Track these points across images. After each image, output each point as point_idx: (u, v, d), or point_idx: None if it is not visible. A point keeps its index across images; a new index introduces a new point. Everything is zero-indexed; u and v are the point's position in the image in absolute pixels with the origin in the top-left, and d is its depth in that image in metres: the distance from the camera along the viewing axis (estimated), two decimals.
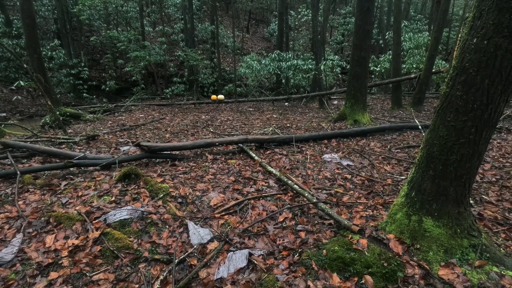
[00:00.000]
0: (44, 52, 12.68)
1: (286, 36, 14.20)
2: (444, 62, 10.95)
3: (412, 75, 8.89)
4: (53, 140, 4.12)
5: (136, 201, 2.56)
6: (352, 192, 2.98)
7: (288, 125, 6.28)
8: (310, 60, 11.30)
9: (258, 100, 10.17)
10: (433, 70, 8.52)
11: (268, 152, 4.17)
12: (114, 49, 13.20)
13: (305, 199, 2.71)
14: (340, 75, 13.79)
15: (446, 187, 1.69)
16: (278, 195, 2.85)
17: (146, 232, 2.24)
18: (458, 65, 1.57)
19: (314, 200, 2.57)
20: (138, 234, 2.22)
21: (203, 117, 8.11)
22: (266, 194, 2.84)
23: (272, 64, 10.34)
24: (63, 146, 4.05)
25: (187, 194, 2.77)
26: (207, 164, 3.65)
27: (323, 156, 3.98)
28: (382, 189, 3.04)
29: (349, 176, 3.36)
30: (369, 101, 11.11)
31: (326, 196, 2.89)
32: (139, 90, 13.12)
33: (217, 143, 3.84)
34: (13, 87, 13.80)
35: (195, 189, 2.90)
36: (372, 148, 4.46)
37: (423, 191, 1.78)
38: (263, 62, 10.71)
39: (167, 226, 2.33)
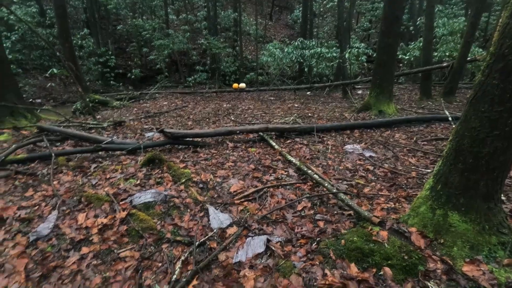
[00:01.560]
0: (74, 41, 13.20)
1: (310, 23, 13.82)
2: (481, 49, 10.21)
3: (444, 64, 8.38)
4: (83, 125, 4.35)
5: (160, 185, 2.66)
6: (373, 183, 2.91)
7: (309, 114, 6.19)
8: (334, 48, 10.95)
9: (280, 89, 10.06)
10: (468, 58, 7.98)
11: (288, 141, 4.16)
12: (139, 37, 13.49)
13: (324, 189, 2.70)
14: (365, 64, 13.29)
15: (476, 181, 1.61)
16: (298, 184, 2.85)
17: (168, 215, 2.34)
18: (496, 52, 1.46)
19: (334, 191, 2.55)
20: (161, 216, 2.31)
21: (225, 105, 8.17)
22: (286, 183, 2.85)
23: (295, 52, 10.14)
24: (93, 131, 4.27)
25: (208, 180, 2.84)
26: (227, 151, 3.70)
27: (345, 146, 3.91)
28: (405, 181, 2.95)
29: (371, 168, 3.29)
30: (395, 91, 10.65)
31: (347, 187, 2.85)
32: (163, 78, 13.40)
33: (237, 131, 3.87)
34: (47, 75, 14.58)
35: (216, 175, 2.97)
36: (397, 139, 4.31)
37: (450, 185, 1.70)
38: (285, 50, 10.52)
39: (188, 210, 2.41)
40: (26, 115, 4.69)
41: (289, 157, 3.35)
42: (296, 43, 10.22)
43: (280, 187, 2.80)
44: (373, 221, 2.02)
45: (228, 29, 17.64)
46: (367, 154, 3.69)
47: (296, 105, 8.34)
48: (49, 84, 11.54)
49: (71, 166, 2.98)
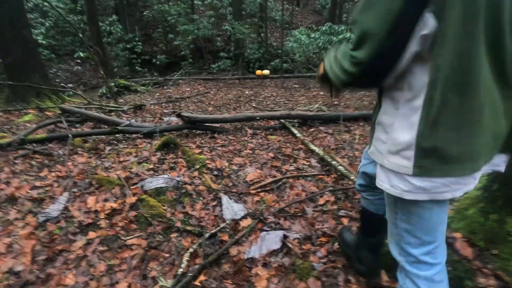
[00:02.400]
0: (103, 27, 13.46)
1: (339, 8, 13.06)
2: None
3: None
4: (103, 107, 4.33)
5: (173, 170, 2.52)
6: None
7: (335, 102, 5.81)
8: None
9: (305, 77, 9.62)
10: None
11: (311, 129, 3.87)
12: (165, 23, 13.49)
13: (350, 182, 2.43)
14: None
15: None
16: (320, 176, 2.60)
17: (180, 202, 2.20)
18: None
19: None
20: (172, 203, 2.18)
21: (247, 92, 7.94)
22: (307, 174, 2.61)
23: (322, 38, 9.60)
24: (112, 114, 4.24)
25: (224, 167, 2.66)
26: (246, 138, 3.50)
27: None
28: None
29: None
30: None
31: None
32: (187, 65, 13.38)
33: (257, 118, 3.65)
34: (78, 60, 15.09)
35: (232, 162, 2.78)
36: None
37: (511, 184, 1.39)
38: (312, 36, 10.00)
39: (201, 198, 2.25)
40: (51, 96, 4.77)
41: (312, 146, 3.09)
42: (324, 28, 9.66)
43: (300, 178, 2.57)
44: None
45: (253, 15, 17.20)
46: None
47: (321, 93, 7.94)
48: (75, 67, 11.86)
49: (87, 147, 2.93)
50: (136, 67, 14.13)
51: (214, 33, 13.03)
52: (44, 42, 11.22)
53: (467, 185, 0.81)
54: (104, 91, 8.06)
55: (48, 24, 11.94)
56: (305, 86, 9.52)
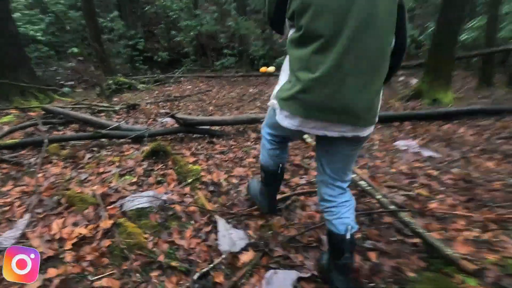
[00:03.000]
0: (104, 23, 13.09)
1: None
2: None
3: None
4: (92, 107, 3.92)
5: (160, 185, 2.10)
6: (442, 196, 2.13)
7: None
8: None
9: None
10: None
11: None
12: (167, 19, 13.07)
13: (374, 201, 1.98)
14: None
15: None
16: None
17: (165, 228, 1.77)
18: None
19: (391, 207, 1.82)
20: (156, 229, 1.75)
21: (251, 90, 7.49)
22: None
23: None
24: (102, 114, 3.83)
25: (221, 180, 2.22)
26: (249, 143, 3.06)
27: (396, 142, 3.10)
28: (488, 195, 2.13)
29: (434, 173, 2.48)
30: None
31: (404, 198, 2.10)
32: (189, 62, 12.96)
33: (262, 120, 3.19)
34: (80, 58, 14.76)
35: (232, 174, 2.35)
36: (462, 135, 3.40)
37: None
38: None
39: (192, 222, 1.82)
40: (38, 95, 4.38)
41: None
42: None
43: (313, 194, 2.12)
44: (463, 268, 1.29)
45: (258, 12, 16.70)
46: (426, 153, 2.87)
47: None
48: (69, 63, 11.48)
49: (63, 155, 2.52)
50: (138, 64, 13.74)
51: (217, 29, 12.57)
52: (43, 38, 10.87)
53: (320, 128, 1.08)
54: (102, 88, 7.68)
55: (48, 20, 11.59)
56: None
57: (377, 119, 1.11)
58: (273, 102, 1.27)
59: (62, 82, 11.91)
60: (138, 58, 13.76)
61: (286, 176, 2.35)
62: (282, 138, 1.52)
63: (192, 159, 2.49)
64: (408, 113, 3.89)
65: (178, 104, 5.29)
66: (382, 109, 4.50)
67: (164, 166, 2.31)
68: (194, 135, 3.18)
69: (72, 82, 12.75)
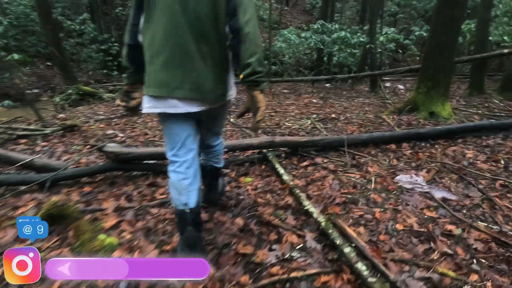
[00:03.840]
0: (72, 26, 12.04)
1: (331, 6, 11.95)
2: None
3: (506, 50, 6.52)
4: (10, 131, 3.02)
5: None
6: (475, 278, 1.42)
7: (333, 115, 4.63)
8: (359, 34, 9.17)
9: (295, 81, 8.45)
10: None
11: (305, 163, 2.66)
12: None
13: None
14: (390, 54, 11.31)
15: None
16: (324, 278, 1.40)
17: None
18: None
19: None
20: None
21: None
22: (300, 274, 1.40)
23: (314, 37, 8.46)
24: (23, 141, 2.95)
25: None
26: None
27: (397, 178, 2.38)
28: None
29: (455, 230, 1.77)
30: None
31: (421, 284, 1.37)
32: None
33: (225, 149, 2.43)
34: (48, 63, 13.59)
35: (169, 245, 1.55)
36: (472, 161, 2.73)
37: None
38: (303, 35, 8.85)
39: None
40: None
41: (306, 203, 1.89)
42: (315, 26, 8.52)
43: (288, 283, 1.36)
44: None
45: None
46: (438, 194, 2.16)
47: (314, 100, 6.77)
48: (26, 67, 10.36)
49: None
50: (111, 71, 12.71)
51: None
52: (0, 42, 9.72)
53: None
54: (58, 100, 6.72)
55: (6, 22, 10.44)
56: (295, 91, 8.35)
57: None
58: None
59: (27, 90, 10.76)
60: (112, 63, 12.74)
61: (247, 247, 1.57)
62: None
63: (111, 221, 1.68)
64: (406, 132, 3.21)
65: (136, 120, 4.44)
66: (374, 127, 3.81)
67: (59, 242, 1.49)
68: (134, 172, 2.37)
69: (37, 90, 11.60)
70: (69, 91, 6.96)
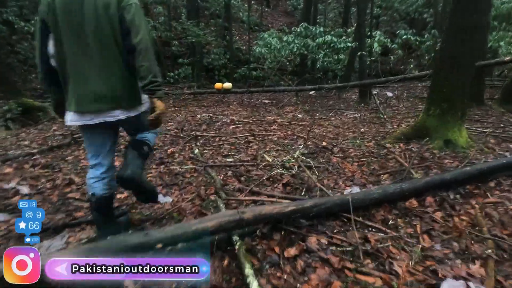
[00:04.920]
0: (26, 28, 10.53)
1: (314, 7, 11.12)
2: None
3: (507, 58, 5.86)
4: None
5: None
6: None
7: (324, 143, 3.69)
8: (343, 37, 8.36)
9: (277, 91, 7.50)
10: None
11: (292, 251, 1.67)
12: None
13: None
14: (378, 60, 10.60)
15: None
16: None
17: None
18: None
19: None
20: None
21: (199, 116, 5.65)
22: None
23: (297, 42, 7.55)
24: None
25: None
26: None
27: (444, 283, 1.44)
28: None
29: None
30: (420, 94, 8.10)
31: None
32: None
33: (158, 246, 1.38)
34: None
35: None
36: None
37: None
38: (285, 39, 7.93)
39: None
40: None
41: None
42: (298, 30, 7.60)
43: None
44: None
45: (219, 16, 14.91)
46: None
47: (299, 115, 5.84)
48: None
49: None
50: None
51: (168, 35, 10.57)
52: None
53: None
54: None
55: None
56: (277, 103, 7.39)
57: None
58: None
59: None
60: None
61: None
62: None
63: None
64: (428, 181, 2.29)
65: (71, 153, 3.30)
66: (379, 163, 2.87)
67: None
68: None
69: None
70: (5, 108, 5.65)
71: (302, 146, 3.47)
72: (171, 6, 10.77)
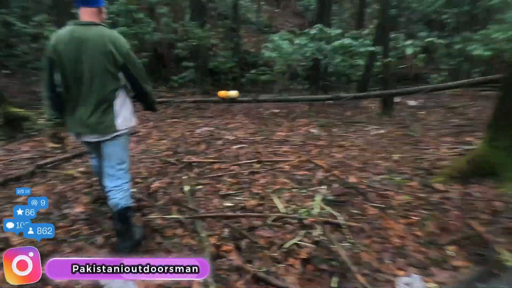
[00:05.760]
0: (26, 29, 10.02)
1: (328, 6, 10.23)
2: None
3: None
4: None
5: None
6: None
7: (350, 174, 2.86)
8: (361, 40, 7.47)
9: (288, 101, 6.67)
10: None
11: None
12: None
13: None
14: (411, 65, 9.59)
15: None
16: None
17: None
18: None
19: None
20: None
21: (199, 131, 4.87)
22: None
23: (311, 45, 6.71)
24: None
25: None
26: None
27: None
28: None
29: None
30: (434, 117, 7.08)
31: None
32: None
33: None
34: (7, 71, 11.47)
35: None
36: None
37: None
38: (296, 42, 7.09)
39: None
40: None
41: None
42: (313, 32, 6.76)
43: None
44: None
45: (226, 17, 14.16)
46: None
47: (314, 130, 5.00)
48: None
49: None
50: None
51: (172, 37, 9.88)
52: None
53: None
54: None
55: None
56: (288, 113, 6.56)
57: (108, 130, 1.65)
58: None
59: None
60: None
61: None
62: None
63: None
64: None
65: (36, 182, 2.58)
66: (439, 226, 2.01)
67: None
68: None
69: None
70: None
71: (323, 184, 2.64)
72: (177, 7, 10.08)
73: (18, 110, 5.92)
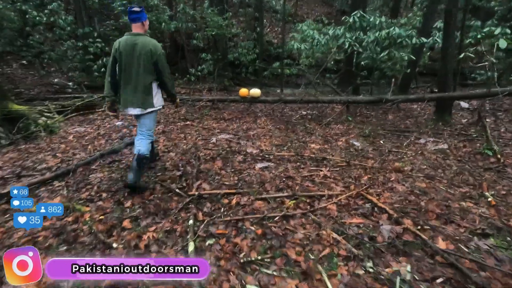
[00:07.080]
0: (38, 18, 9.48)
1: None
2: None
3: None
4: None
5: None
6: None
7: (429, 224, 1.89)
8: (410, 30, 6.19)
9: (320, 102, 5.62)
10: None
11: None
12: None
13: None
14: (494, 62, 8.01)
15: None
16: None
17: None
18: None
19: None
20: None
21: (214, 139, 4.00)
22: None
23: (348, 35, 5.59)
24: None
25: None
26: None
27: None
28: None
29: None
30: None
31: None
32: None
33: None
34: (24, 62, 11.15)
35: None
36: None
37: None
38: (331, 33, 5.97)
39: None
40: None
41: None
42: (352, 19, 5.61)
43: None
44: None
45: (249, 5, 13.07)
46: None
47: (356, 142, 3.98)
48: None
49: None
50: (94, 73, 10.10)
51: (188, 26, 9.00)
52: None
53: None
54: None
55: None
56: (319, 117, 5.53)
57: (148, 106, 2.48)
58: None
59: None
60: (93, 63, 10.12)
61: None
62: None
63: None
64: None
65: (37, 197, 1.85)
66: None
67: None
68: None
69: None
70: None
71: (395, 251, 1.69)
72: None
73: (19, 107, 5.34)
